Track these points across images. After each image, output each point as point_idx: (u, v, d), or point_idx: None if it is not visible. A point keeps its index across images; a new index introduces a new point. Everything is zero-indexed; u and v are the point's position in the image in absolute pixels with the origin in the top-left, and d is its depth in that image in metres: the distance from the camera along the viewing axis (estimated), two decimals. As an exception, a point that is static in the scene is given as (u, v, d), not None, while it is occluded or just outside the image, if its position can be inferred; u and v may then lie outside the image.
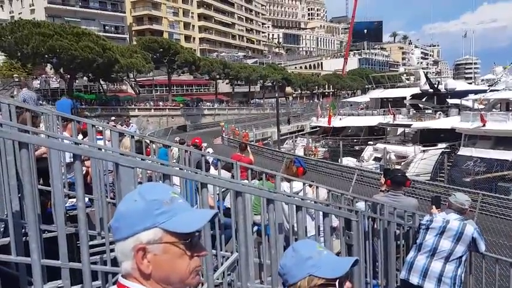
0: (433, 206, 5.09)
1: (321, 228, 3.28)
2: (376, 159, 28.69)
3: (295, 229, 2.44)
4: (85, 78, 54.47)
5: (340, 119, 39.46)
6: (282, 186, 4.47)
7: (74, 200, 4.75)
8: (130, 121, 12.58)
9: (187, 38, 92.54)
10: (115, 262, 3.13)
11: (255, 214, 4.73)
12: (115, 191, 4.41)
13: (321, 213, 2.49)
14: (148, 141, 5.15)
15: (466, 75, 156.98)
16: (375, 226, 4.65)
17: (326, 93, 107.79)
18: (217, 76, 70.64)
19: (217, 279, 3.04)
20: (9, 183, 2.97)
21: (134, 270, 1.13)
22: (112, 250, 3.18)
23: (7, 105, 3.60)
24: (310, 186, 4.34)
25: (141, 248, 1.12)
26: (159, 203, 1.15)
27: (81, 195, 1.94)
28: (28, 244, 2.82)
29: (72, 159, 5.96)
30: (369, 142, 33.19)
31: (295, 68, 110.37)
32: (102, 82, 57.23)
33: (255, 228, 4.64)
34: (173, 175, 1.86)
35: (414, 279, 4.41)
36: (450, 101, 35.79)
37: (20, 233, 3.06)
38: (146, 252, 1.12)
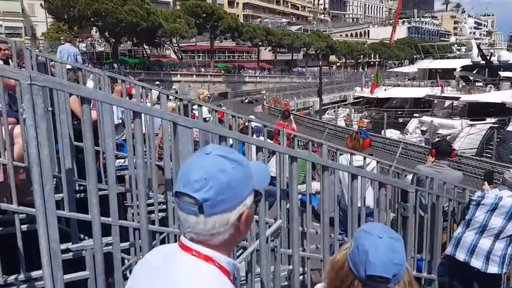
0: (485, 182, 4.89)
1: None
2: (422, 132, 27.88)
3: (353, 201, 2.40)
4: (129, 42, 55.25)
5: (385, 89, 38.27)
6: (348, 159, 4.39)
7: (121, 160, 4.89)
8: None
9: (231, 3, 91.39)
10: (162, 222, 3.20)
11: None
12: (161, 154, 4.49)
13: (376, 183, 2.42)
14: (196, 106, 5.14)
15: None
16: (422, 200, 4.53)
17: (371, 63, 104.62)
18: (260, 43, 69.80)
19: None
20: (62, 141, 3.05)
21: (223, 239, 1.11)
22: (161, 210, 3.24)
23: (60, 65, 3.67)
24: (364, 158, 4.21)
25: (244, 212, 1.12)
26: (248, 163, 1.15)
27: (141, 152, 1.95)
28: (77, 202, 2.93)
29: (120, 121, 6.07)
30: (415, 114, 32.16)
31: (341, 35, 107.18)
32: (145, 47, 57.88)
33: (299, 196, 4.62)
34: (230, 137, 1.82)
35: (461, 256, 4.29)
36: (503, 74, 33.90)
37: (72, 189, 3.16)
38: (247, 215, 1.13)
